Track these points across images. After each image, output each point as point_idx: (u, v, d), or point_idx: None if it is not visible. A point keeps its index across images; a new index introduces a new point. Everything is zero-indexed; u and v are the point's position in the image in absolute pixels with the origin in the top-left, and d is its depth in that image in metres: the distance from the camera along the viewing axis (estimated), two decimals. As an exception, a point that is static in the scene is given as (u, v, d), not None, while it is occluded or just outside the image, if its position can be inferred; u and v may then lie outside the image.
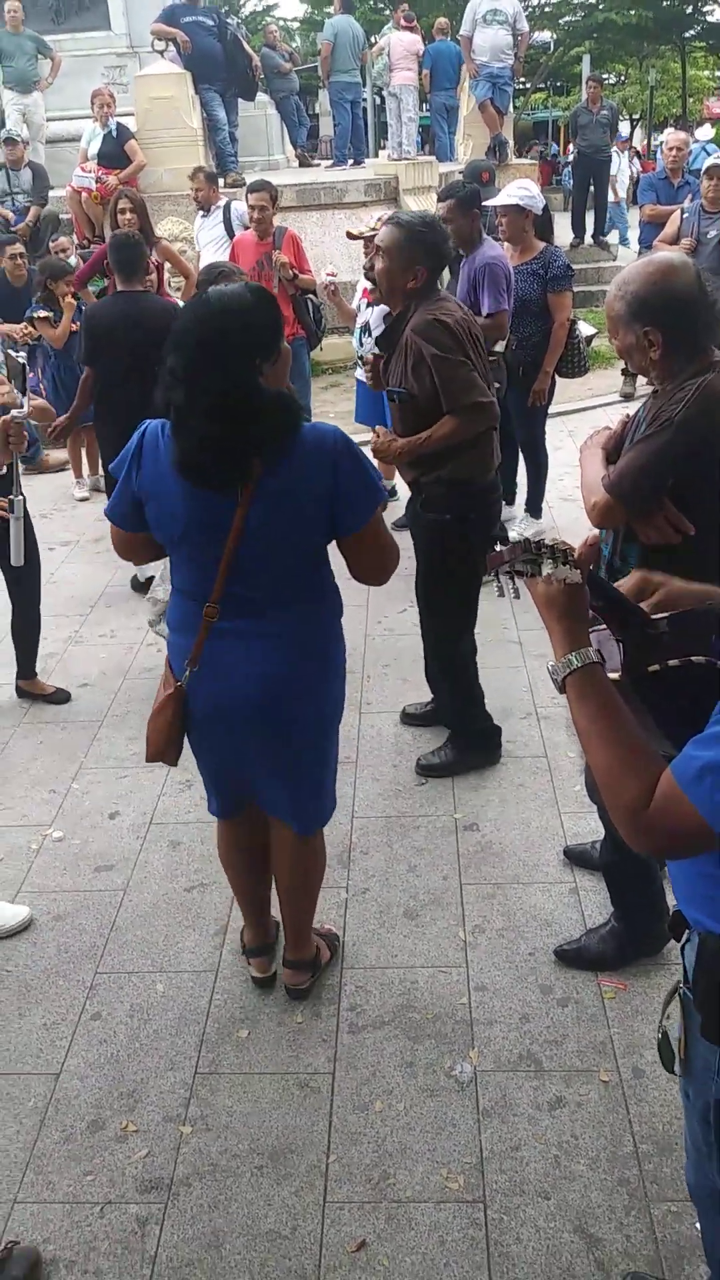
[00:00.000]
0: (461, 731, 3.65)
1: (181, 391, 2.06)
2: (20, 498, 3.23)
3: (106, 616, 5.06)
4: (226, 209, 7.26)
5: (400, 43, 10.94)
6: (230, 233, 7.21)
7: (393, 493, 6.10)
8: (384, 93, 12.02)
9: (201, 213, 7.47)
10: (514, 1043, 2.51)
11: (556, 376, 5.18)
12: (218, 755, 2.51)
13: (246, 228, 6.45)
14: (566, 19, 25.91)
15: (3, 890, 3.19)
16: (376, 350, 3.57)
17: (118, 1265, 2.13)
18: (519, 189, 4.83)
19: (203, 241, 7.54)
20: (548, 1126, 2.31)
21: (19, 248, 7.27)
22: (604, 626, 1.56)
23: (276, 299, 2.25)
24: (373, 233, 5.34)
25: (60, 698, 4.32)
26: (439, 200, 4.91)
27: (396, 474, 6.03)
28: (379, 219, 5.50)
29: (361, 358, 5.65)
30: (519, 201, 4.78)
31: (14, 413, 2.83)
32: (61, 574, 5.57)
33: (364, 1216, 2.17)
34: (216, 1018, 2.69)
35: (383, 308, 5.40)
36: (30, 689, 4.35)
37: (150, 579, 5.23)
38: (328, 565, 2.36)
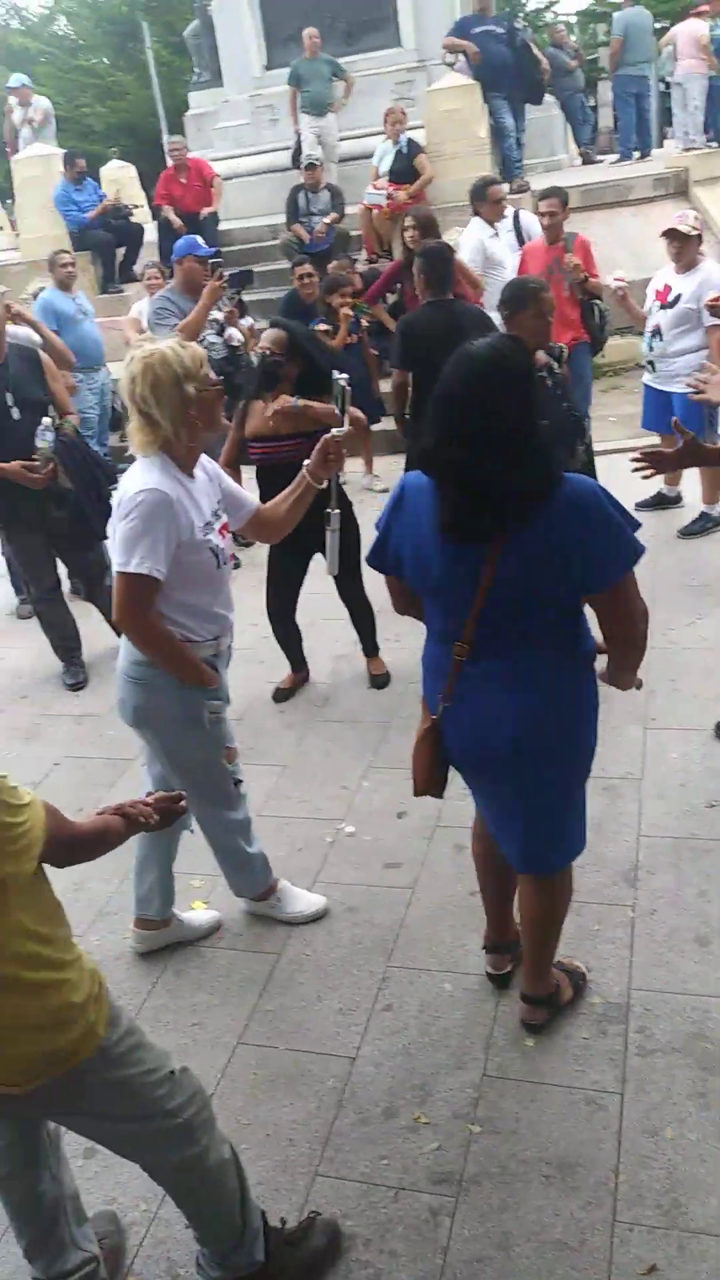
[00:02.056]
0: None
1: (458, 449, 2.12)
2: (337, 512, 3.40)
3: (392, 623, 5.21)
4: (515, 217, 7.27)
5: (686, 31, 10.54)
6: (521, 241, 7.22)
7: (678, 500, 5.93)
8: (667, 82, 11.57)
9: (493, 227, 7.46)
10: None
11: None
12: (473, 785, 2.61)
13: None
14: None
15: (301, 878, 3.41)
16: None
17: (412, 1249, 2.24)
18: None
19: (494, 252, 7.48)
20: None
21: (308, 267, 7.66)
22: None
23: (526, 348, 2.26)
24: (695, 232, 5.23)
25: (382, 682, 4.64)
26: None
27: (681, 481, 5.89)
28: (697, 216, 5.37)
29: (651, 362, 5.55)
30: None
31: (335, 431, 2.94)
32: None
33: (654, 1241, 2.16)
34: (503, 1023, 2.76)
35: (676, 311, 5.28)
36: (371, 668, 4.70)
37: None
38: (581, 613, 2.35)
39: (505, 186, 7.59)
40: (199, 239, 5.65)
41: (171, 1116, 1.96)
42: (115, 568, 2.65)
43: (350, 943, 3.13)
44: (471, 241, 6.93)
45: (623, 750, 3.77)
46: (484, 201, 7.00)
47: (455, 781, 3.76)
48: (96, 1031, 1.85)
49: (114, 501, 2.73)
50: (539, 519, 2.14)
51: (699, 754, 3.73)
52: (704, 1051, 2.56)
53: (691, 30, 10.48)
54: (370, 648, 4.72)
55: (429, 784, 2.57)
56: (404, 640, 5.00)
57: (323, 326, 6.86)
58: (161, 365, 2.57)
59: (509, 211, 7.25)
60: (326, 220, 9.10)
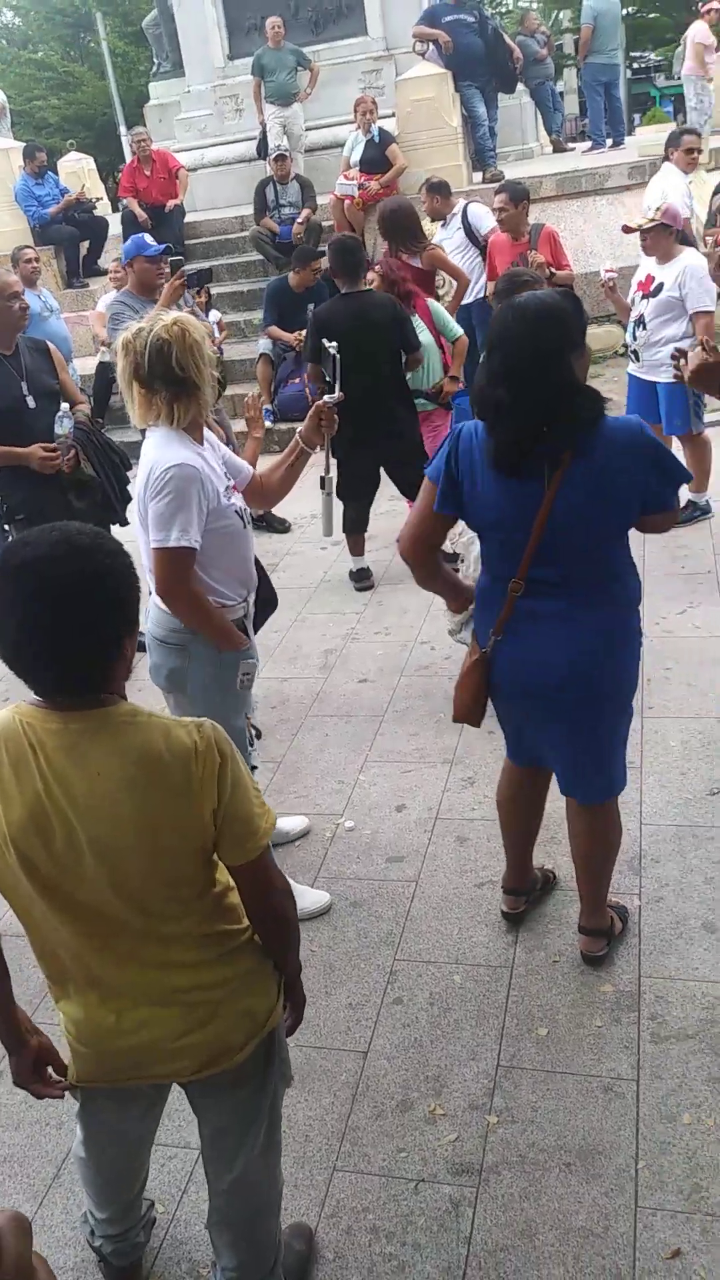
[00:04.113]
0: None
1: (504, 388, 2.28)
2: (331, 476, 3.50)
3: (380, 615, 5.25)
4: (464, 213, 7.29)
5: (690, 33, 10.65)
6: (470, 235, 7.25)
7: (706, 509, 5.80)
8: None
9: (440, 224, 7.53)
10: None
11: None
12: (515, 720, 2.76)
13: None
14: None
15: (303, 874, 3.40)
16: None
17: (435, 1241, 2.25)
18: None
19: (448, 247, 7.58)
20: None
21: (321, 262, 7.63)
22: None
23: (580, 301, 2.39)
24: (652, 224, 5.24)
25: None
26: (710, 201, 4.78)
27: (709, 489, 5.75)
28: (658, 209, 5.38)
29: (635, 352, 5.56)
30: None
31: (327, 398, 3.07)
32: (334, 571, 5.83)
33: (677, 1225, 2.18)
34: (514, 1013, 2.77)
35: (659, 300, 5.28)
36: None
37: (363, 569, 5.56)
38: (628, 547, 2.51)
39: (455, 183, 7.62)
40: (147, 237, 5.54)
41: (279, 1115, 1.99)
42: (154, 544, 2.66)
43: (356, 937, 3.13)
44: None
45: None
46: (433, 196, 7.13)
47: (455, 772, 3.80)
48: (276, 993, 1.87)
49: (134, 483, 2.75)
50: (592, 449, 2.31)
51: (698, 741, 3.76)
52: (717, 1037, 2.58)
53: (692, 34, 10.55)
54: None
55: (469, 713, 2.70)
56: (394, 634, 5.02)
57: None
58: (193, 328, 2.59)
59: (456, 209, 7.28)
60: (301, 221, 9.04)
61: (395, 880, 3.34)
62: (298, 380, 7.93)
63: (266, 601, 4.25)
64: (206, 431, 2.88)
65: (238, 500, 2.84)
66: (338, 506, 4.06)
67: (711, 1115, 2.39)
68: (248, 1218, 1.98)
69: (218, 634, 2.81)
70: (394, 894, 3.28)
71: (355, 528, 5.56)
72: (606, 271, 5.46)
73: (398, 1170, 2.42)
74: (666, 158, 6.90)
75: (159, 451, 2.66)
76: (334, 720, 4.37)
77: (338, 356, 3.20)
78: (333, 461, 3.57)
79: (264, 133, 10.28)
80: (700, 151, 6.70)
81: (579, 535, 2.38)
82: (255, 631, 4.45)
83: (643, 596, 2.59)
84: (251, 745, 3.11)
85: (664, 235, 5.26)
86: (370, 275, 5.57)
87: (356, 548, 5.64)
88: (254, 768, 3.07)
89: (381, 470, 5.50)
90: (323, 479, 3.50)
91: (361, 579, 5.60)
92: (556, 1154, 2.38)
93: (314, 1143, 2.51)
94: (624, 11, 13.29)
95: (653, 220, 5.22)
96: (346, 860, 3.48)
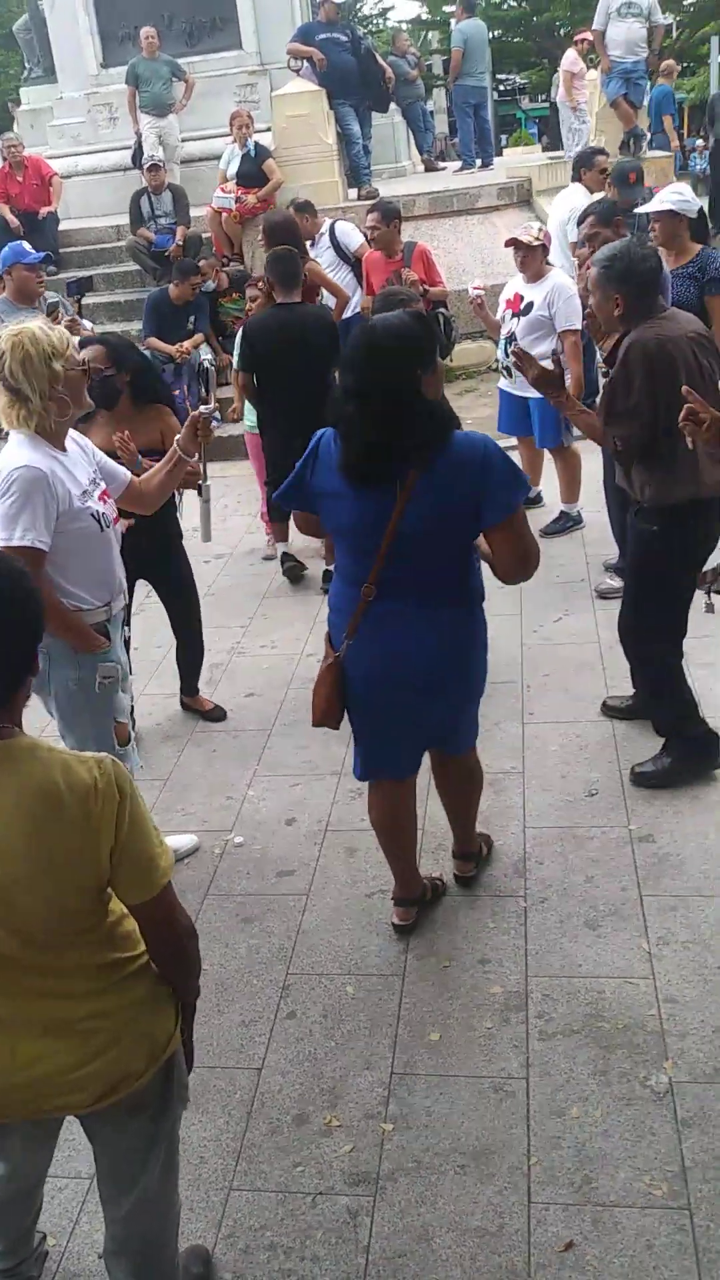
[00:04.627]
0: (678, 739, 3.59)
1: (353, 404, 2.42)
2: (208, 484, 3.56)
3: (266, 627, 5.24)
4: (331, 230, 7.39)
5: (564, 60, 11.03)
6: (339, 253, 7.34)
7: (538, 499, 6.13)
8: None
9: (309, 243, 7.59)
10: (709, 1055, 2.55)
11: None
12: (373, 715, 2.82)
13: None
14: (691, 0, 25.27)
15: (193, 891, 3.37)
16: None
17: (334, 1253, 2.25)
18: (673, 194, 4.79)
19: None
20: (749, 1140, 2.34)
21: (200, 277, 7.62)
22: None
23: (432, 323, 2.50)
24: (537, 242, 5.40)
25: (217, 715, 4.46)
26: (578, 224, 4.97)
27: (541, 481, 6.09)
28: (541, 229, 5.56)
29: (507, 368, 5.71)
30: (673, 206, 4.74)
31: (203, 408, 3.16)
32: (219, 585, 5.80)
33: (570, 1218, 2.24)
34: (407, 1020, 2.80)
35: (529, 319, 5.46)
36: (192, 704, 4.53)
37: (285, 554, 5.63)
38: (473, 558, 2.69)
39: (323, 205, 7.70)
40: (25, 244, 5.45)
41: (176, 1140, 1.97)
42: (0, 543, 2.69)
43: (248, 954, 3.12)
44: None
45: (505, 745, 3.88)
46: (302, 215, 7.19)
47: (344, 784, 3.82)
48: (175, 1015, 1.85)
49: None
50: (439, 464, 2.44)
51: (576, 745, 3.87)
52: (600, 1030, 2.67)
53: (565, 61, 10.91)
54: (191, 687, 4.53)
55: (327, 716, 2.81)
56: (280, 646, 5.02)
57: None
58: (31, 343, 2.67)
59: (324, 228, 7.38)
60: (179, 242, 8.99)
61: (286, 894, 3.34)
62: (177, 392, 7.88)
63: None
64: (79, 437, 2.98)
65: (97, 504, 2.89)
66: (215, 512, 4.06)
67: (598, 1107, 2.47)
68: (146, 1244, 1.95)
69: (70, 635, 2.87)
70: (285, 908, 3.28)
71: (282, 515, 5.56)
72: (474, 289, 5.60)
73: (294, 1185, 2.41)
74: (577, 178, 7.10)
75: (8, 454, 2.76)
76: (221, 735, 4.34)
77: (211, 370, 3.31)
78: (210, 469, 3.59)
79: (139, 142, 10.18)
80: (608, 171, 6.92)
81: (425, 544, 2.53)
82: (188, 675, 4.46)
83: (485, 595, 2.78)
84: (126, 747, 3.09)
85: (537, 255, 5.43)
86: (252, 292, 5.59)
87: (281, 533, 5.77)
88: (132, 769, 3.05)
89: None
90: (199, 486, 3.54)
91: (285, 560, 5.72)
92: (451, 1157, 2.42)
93: (209, 1164, 2.49)
94: (490, 35, 13.64)
95: (537, 239, 5.39)
96: (237, 876, 3.47)
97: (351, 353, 2.46)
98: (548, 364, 4.84)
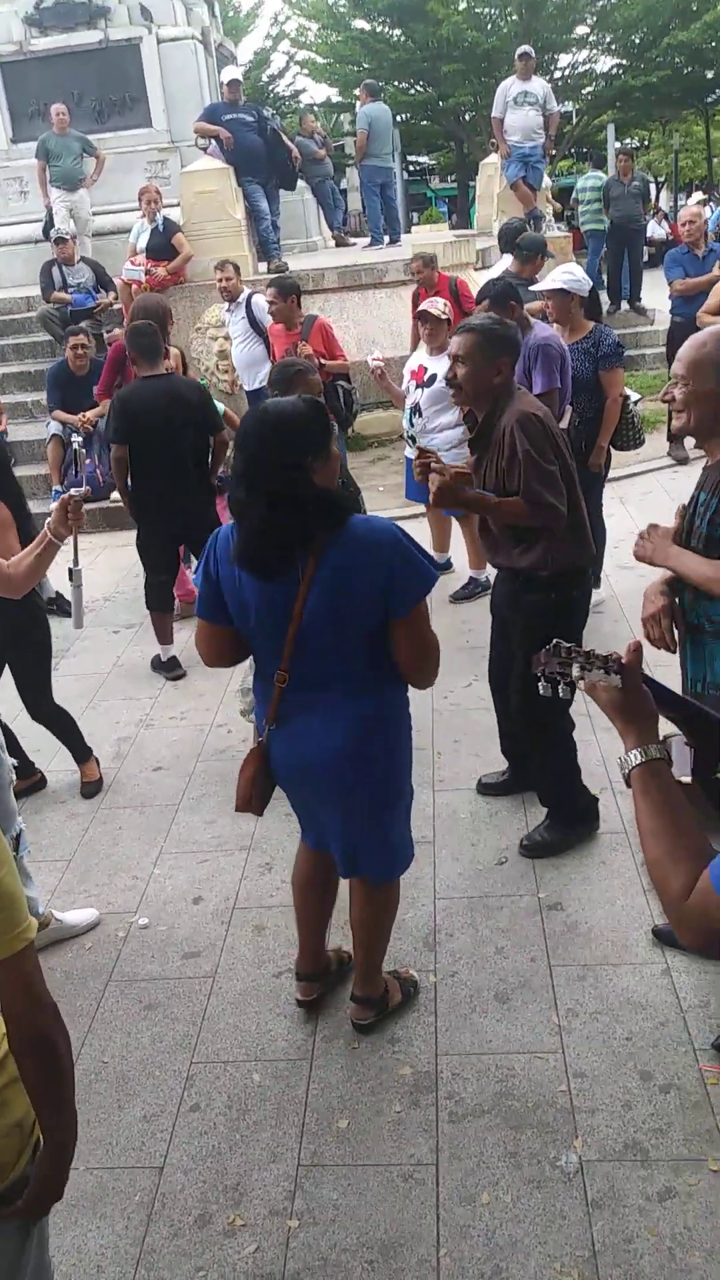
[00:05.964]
0: (564, 808, 3.61)
1: (243, 488, 2.37)
2: (79, 568, 3.48)
3: (176, 699, 5.16)
4: (248, 302, 7.51)
5: None
6: (254, 324, 7.47)
7: (447, 565, 6.20)
8: None
9: (229, 304, 7.72)
10: (618, 1131, 2.51)
11: (612, 449, 5.27)
12: (298, 801, 2.80)
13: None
14: (589, 89, 26.58)
15: (95, 977, 3.25)
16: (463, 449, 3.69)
17: None
18: (564, 274, 4.98)
19: (233, 333, 7.83)
20: (659, 1218, 2.30)
21: (82, 339, 7.58)
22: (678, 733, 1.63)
23: (324, 410, 2.49)
24: (444, 316, 5.54)
25: (91, 790, 4.36)
26: (476, 301, 5.13)
27: (450, 548, 6.18)
28: (446, 304, 5.71)
29: (413, 437, 5.81)
30: (564, 285, 4.92)
31: (74, 491, 3.08)
32: (127, 656, 5.71)
33: (480, 1313, 2.17)
34: (315, 1107, 2.71)
35: (433, 390, 5.57)
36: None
37: (172, 658, 5.42)
38: (383, 637, 2.55)
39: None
40: None
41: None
42: None
43: (150, 1043, 3.00)
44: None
45: (416, 814, 3.79)
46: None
47: (253, 859, 3.74)
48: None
49: None
50: (337, 552, 2.38)
51: (486, 812, 3.86)
52: (511, 1110, 2.62)
53: None
54: (83, 752, 4.44)
55: (249, 802, 2.71)
56: (190, 718, 4.94)
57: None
58: None
59: (243, 295, 7.50)
60: (107, 301, 9.10)
61: (191, 977, 3.23)
62: (89, 461, 7.84)
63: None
64: None
65: None
66: (87, 596, 3.98)
67: (509, 1192, 2.41)
68: None
69: None
70: (190, 992, 3.17)
71: (160, 604, 5.43)
72: (373, 360, 5.71)
73: (196, 1293, 2.29)
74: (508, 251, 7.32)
75: None
76: (127, 811, 4.23)
77: (81, 451, 3.24)
78: (81, 552, 3.54)
79: (50, 215, 10.25)
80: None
81: (331, 633, 2.43)
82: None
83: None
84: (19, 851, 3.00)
85: (443, 329, 5.57)
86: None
87: (164, 635, 5.45)
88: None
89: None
90: (70, 570, 3.46)
91: (171, 668, 5.43)
92: (359, 1252, 2.33)
93: (106, 1272, 2.35)
94: (398, 118, 14.12)
95: (444, 314, 5.53)
96: (141, 960, 3.35)
97: (242, 436, 2.41)
98: (457, 453, 4.97)
